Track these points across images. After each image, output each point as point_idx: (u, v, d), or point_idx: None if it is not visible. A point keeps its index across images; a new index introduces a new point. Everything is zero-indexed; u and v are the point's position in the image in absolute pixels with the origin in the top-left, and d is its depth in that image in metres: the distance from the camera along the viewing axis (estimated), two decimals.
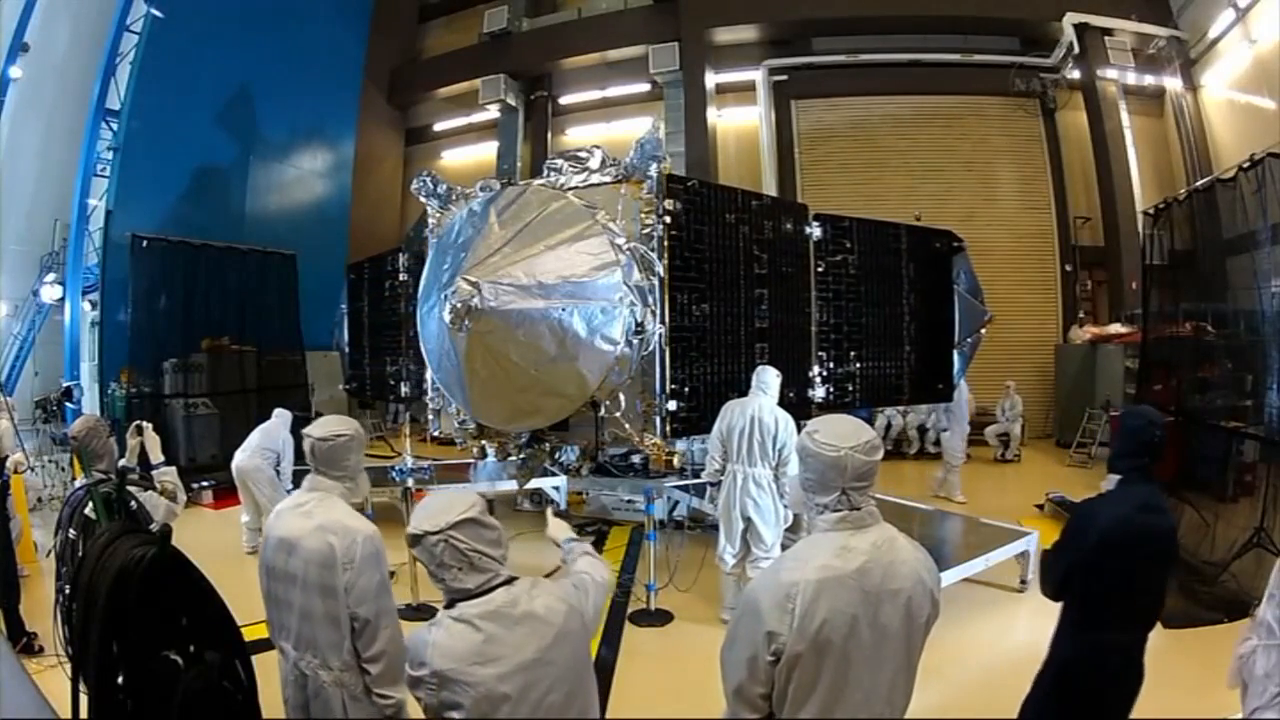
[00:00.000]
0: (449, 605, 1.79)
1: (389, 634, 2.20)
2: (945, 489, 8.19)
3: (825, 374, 6.42)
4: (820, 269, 6.35)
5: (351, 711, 2.19)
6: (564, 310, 4.91)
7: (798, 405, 6.11)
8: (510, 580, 1.82)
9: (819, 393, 6.41)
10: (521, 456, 5.91)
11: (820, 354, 6.39)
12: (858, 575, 1.65)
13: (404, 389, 8.11)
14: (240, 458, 6.76)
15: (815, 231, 6.34)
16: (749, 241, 5.80)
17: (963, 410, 7.96)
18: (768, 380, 4.78)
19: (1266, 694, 1.30)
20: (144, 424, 4.23)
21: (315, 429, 2.39)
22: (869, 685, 1.65)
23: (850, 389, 6.54)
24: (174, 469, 3.95)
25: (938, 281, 6.94)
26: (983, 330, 7.44)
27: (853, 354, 6.52)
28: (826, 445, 1.71)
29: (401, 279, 8.10)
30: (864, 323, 6.56)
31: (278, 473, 6.85)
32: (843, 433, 1.73)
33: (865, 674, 1.65)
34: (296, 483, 7.23)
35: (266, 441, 6.87)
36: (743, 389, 5.63)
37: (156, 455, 4.05)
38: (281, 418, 7.20)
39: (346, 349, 9.78)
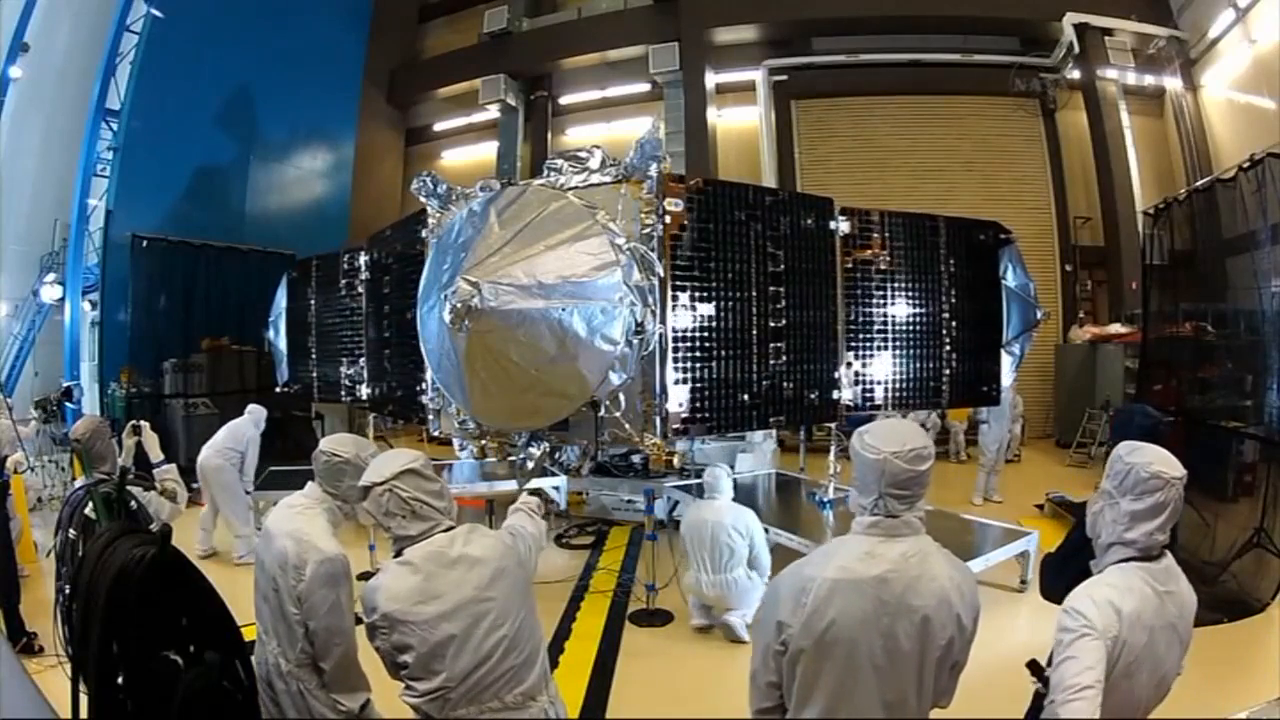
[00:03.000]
0: (396, 554, 1.96)
1: (341, 651, 2.25)
2: (986, 490, 8.15)
3: (853, 375, 6.11)
4: (848, 265, 6.06)
5: (308, 699, 2.28)
6: (564, 310, 4.90)
7: (821, 408, 5.93)
8: (450, 529, 1.99)
9: (846, 395, 6.09)
10: (521, 457, 5.90)
11: (848, 354, 6.09)
12: (876, 584, 1.63)
13: (365, 391, 7.79)
14: (204, 454, 6.70)
15: (842, 226, 6.06)
16: (761, 239, 5.61)
17: (1002, 409, 7.75)
18: (718, 484, 4.95)
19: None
20: (141, 423, 4.25)
21: (325, 441, 2.51)
22: (875, 696, 1.62)
23: (882, 391, 6.21)
24: (174, 467, 3.95)
25: (982, 277, 6.56)
26: (1034, 330, 6.98)
27: (885, 354, 6.20)
28: (869, 447, 1.72)
29: (364, 277, 7.78)
30: (897, 321, 6.24)
31: (241, 474, 6.75)
32: (889, 437, 1.73)
33: (872, 685, 1.62)
34: (277, 485, 7.15)
35: (231, 440, 6.79)
36: (751, 389, 5.62)
37: (156, 454, 4.05)
38: (253, 415, 7.12)
39: (284, 348, 9.39)
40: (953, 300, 6.42)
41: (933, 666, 1.66)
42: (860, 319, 6.12)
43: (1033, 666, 1.78)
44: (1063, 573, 2.54)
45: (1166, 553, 1.84)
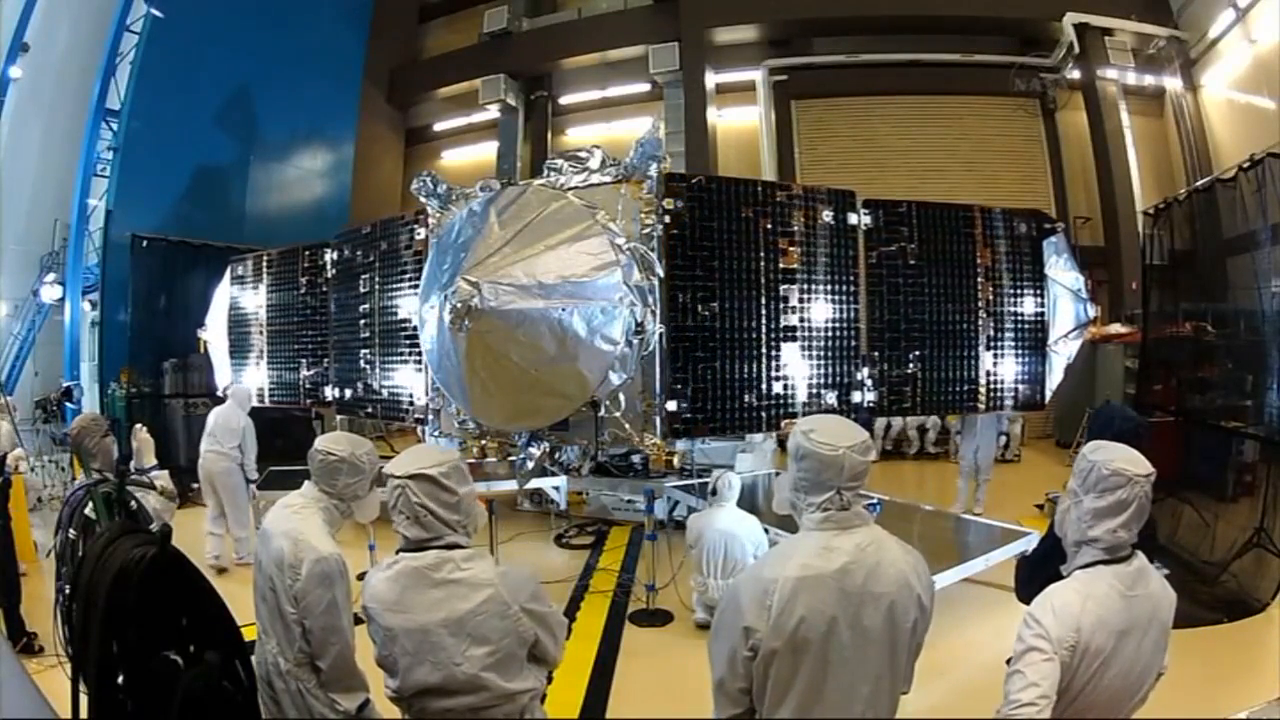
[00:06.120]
0: (399, 550, 1.93)
1: (337, 650, 2.24)
2: (970, 501, 7.64)
3: (877, 376, 5.86)
4: (872, 260, 5.83)
5: (308, 699, 2.27)
6: (564, 310, 4.91)
7: (840, 410, 5.75)
8: (453, 546, 1.90)
9: (870, 397, 5.83)
10: (521, 457, 5.91)
11: (873, 354, 5.83)
12: (838, 575, 1.65)
13: (332, 392, 7.57)
14: (206, 456, 6.35)
15: (865, 219, 5.84)
16: (771, 235, 5.52)
17: (972, 416, 7.32)
18: (728, 491, 4.89)
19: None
20: (137, 426, 4.28)
21: (320, 440, 2.46)
22: (848, 687, 1.65)
23: (909, 393, 5.93)
24: (165, 473, 3.96)
25: (1023, 270, 6.23)
26: (1087, 329, 6.57)
27: (913, 355, 5.90)
28: (824, 445, 1.72)
29: (330, 274, 7.51)
30: (926, 319, 5.92)
31: (244, 469, 6.39)
32: (839, 432, 1.75)
33: (844, 675, 1.64)
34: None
35: (226, 434, 6.36)
36: (758, 388, 5.60)
37: (150, 459, 4.05)
38: (236, 396, 6.67)
39: (225, 349, 8.76)
40: (989, 296, 6.13)
41: (902, 650, 1.71)
42: (885, 317, 5.88)
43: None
44: (1034, 577, 2.52)
45: (1138, 554, 1.83)
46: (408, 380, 6.70)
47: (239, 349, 8.72)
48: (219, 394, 8.69)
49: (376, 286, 6.99)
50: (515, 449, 6.04)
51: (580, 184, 5.68)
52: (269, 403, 8.43)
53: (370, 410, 7.25)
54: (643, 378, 5.44)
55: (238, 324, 8.73)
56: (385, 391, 6.96)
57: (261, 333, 8.39)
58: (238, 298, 8.74)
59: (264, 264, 8.40)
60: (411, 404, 6.68)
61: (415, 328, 6.16)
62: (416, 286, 6.13)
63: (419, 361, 6.37)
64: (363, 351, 7.14)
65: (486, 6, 14.61)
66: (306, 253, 7.91)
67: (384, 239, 6.96)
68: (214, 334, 8.97)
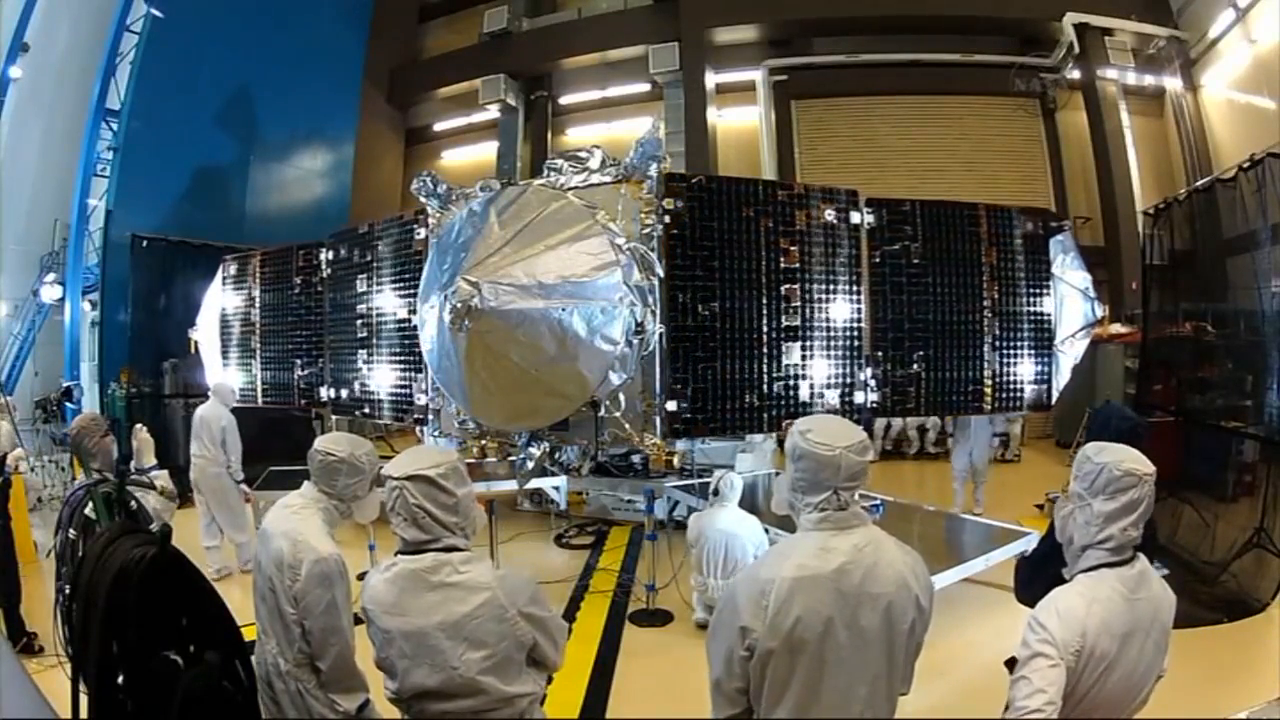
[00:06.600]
0: (397, 552, 1.92)
1: (336, 651, 2.24)
2: (967, 503, 7.57)
3: (880, 376, 5.86)
4: (876, 260, 5.83)
5: (308, 699, 2.27)
6: (564, 310, 4.91)
7: (843, 411, 5.73)
8: (451, 549, 1.88)
9: (873, 397, 5.82)
10: (521, 457, 5.91)
11: (876, 354, 5.84)
12: (835, 576, 1.65)
13: (327, 393, 7.52)
14: (196, 462, 6.22)
15: (867, 218, 5.84)
16: (772, 235, 5.52)
17: (966, 419, 7.30)
18: (731, 491, 4.91)
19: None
20: (138, 426, 4.29)
21: (320, 440, 2.46)
22: (845, 688, 1.64)
23: (913, 393, 5.93)
24: (165, 473, 3.97)
25: (1030, 269, 6.21)
26: (1094, 329, 6.53)
27: (917, 354, 5.89)
28: (821, 445, 1.72)
29: (326, 274, 7.47)
30: (930, 319, 5.92)
31: (230, 469, 6.23)
32: (836, 432, 1.75)
33: (842, 676, 1.64)
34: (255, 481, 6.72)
35: (210, 436, 6.21)
36: (759, 388, 5.60)
37: (149, 458, 4.06)
38: (219, 393, 6.53)
39: (217, 349, 8.65)
40: (995, 295, 6.13)
41: (900, 651, 1.70)
42: (889, 317, 5.90)
43: (1011, 664, 1.80)
44: (1034, 579, 2.51)
45: (1139, 556, 1.83)
46: (406, 380, 6.69)
47: (231, 349, 8.68)
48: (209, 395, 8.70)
49: (374, 286, 6.98)
50: (515, 449, 6.04)
51: (580, 184, 5.68)
52: (262, 403, 8.38)
53: (366, 410, 7.23)
54: (643, 378, 5.44)
55: (230, 324, 8.69)
56: (383, 392, 6.95)
57: (254, 333, 8.36)
58: (230, 298, 8.69)
59: (256, 264, 8.35)
60: (410, 404, 6.67)
61: (414, 327, 6.16)
62: (415, 286, 6.12)
63: (418, 361, 6.36)
64: (360, 351, 7.13)
65: (486, 6, 14.61)
66: (301, 252, 7.88)
67: (382, 239, 6.96)
68: (205, 334, 8.91)
